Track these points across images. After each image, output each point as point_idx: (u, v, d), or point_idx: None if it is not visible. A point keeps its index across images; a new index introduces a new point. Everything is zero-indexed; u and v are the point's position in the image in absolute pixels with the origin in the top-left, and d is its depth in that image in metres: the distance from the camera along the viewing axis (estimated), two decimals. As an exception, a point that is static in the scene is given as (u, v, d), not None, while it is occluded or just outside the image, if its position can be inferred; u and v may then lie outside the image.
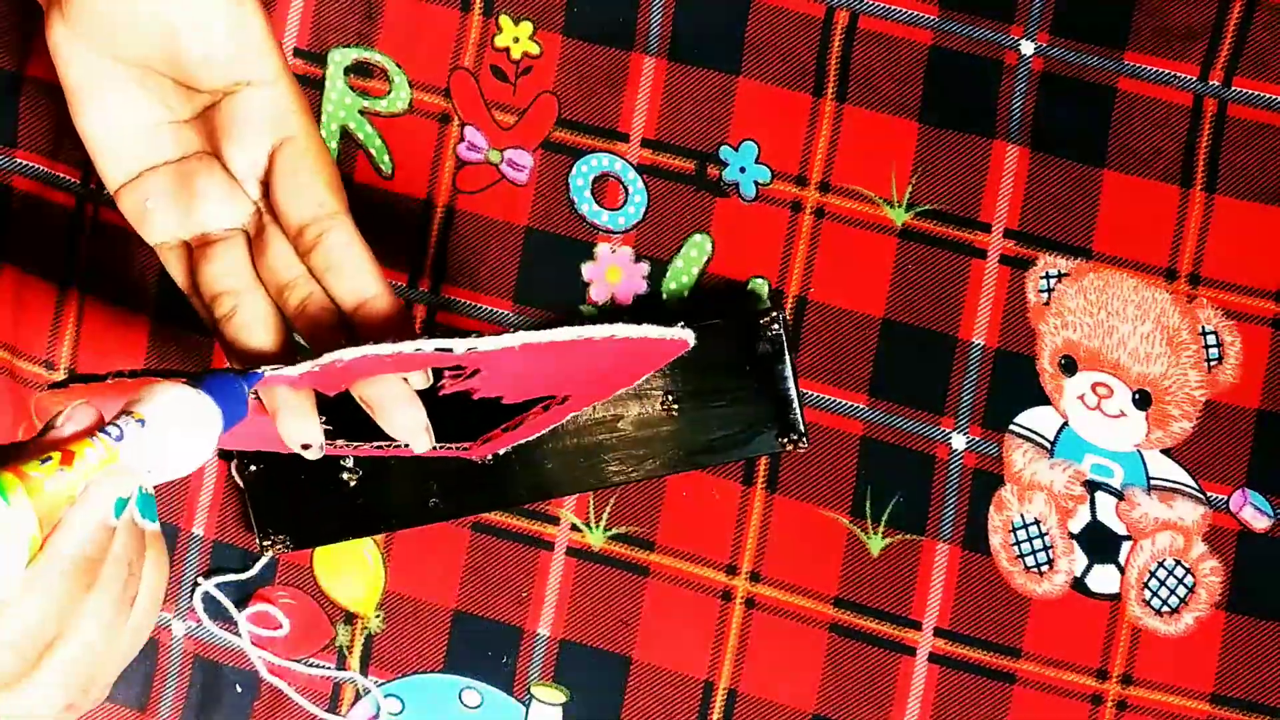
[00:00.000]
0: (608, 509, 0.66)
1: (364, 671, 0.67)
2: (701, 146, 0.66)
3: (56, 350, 0.68)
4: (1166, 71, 0.65)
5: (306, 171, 0.48)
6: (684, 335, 0.46)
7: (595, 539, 0.66)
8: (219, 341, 0.49)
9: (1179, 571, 0.65)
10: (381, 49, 0.67)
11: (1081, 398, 0.65)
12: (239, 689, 0.67)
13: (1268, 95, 0.65)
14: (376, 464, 0.64)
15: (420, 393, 0.49)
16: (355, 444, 0.57)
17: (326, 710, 0.67)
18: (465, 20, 0.67)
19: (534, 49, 0.67)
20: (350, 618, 0.67)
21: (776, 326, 0.64)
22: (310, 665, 0.67)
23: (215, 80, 0.48)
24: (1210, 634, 0.65)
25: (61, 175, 0.68)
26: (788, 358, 0.64)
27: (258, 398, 0.48)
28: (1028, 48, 0.66)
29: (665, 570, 0.66)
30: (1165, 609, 0.65)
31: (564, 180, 0.67)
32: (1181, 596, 0.65)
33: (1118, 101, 0.66)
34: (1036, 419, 0.65)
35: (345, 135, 0.67)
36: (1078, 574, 0.65)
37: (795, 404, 0.64)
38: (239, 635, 0.67)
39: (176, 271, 0.50)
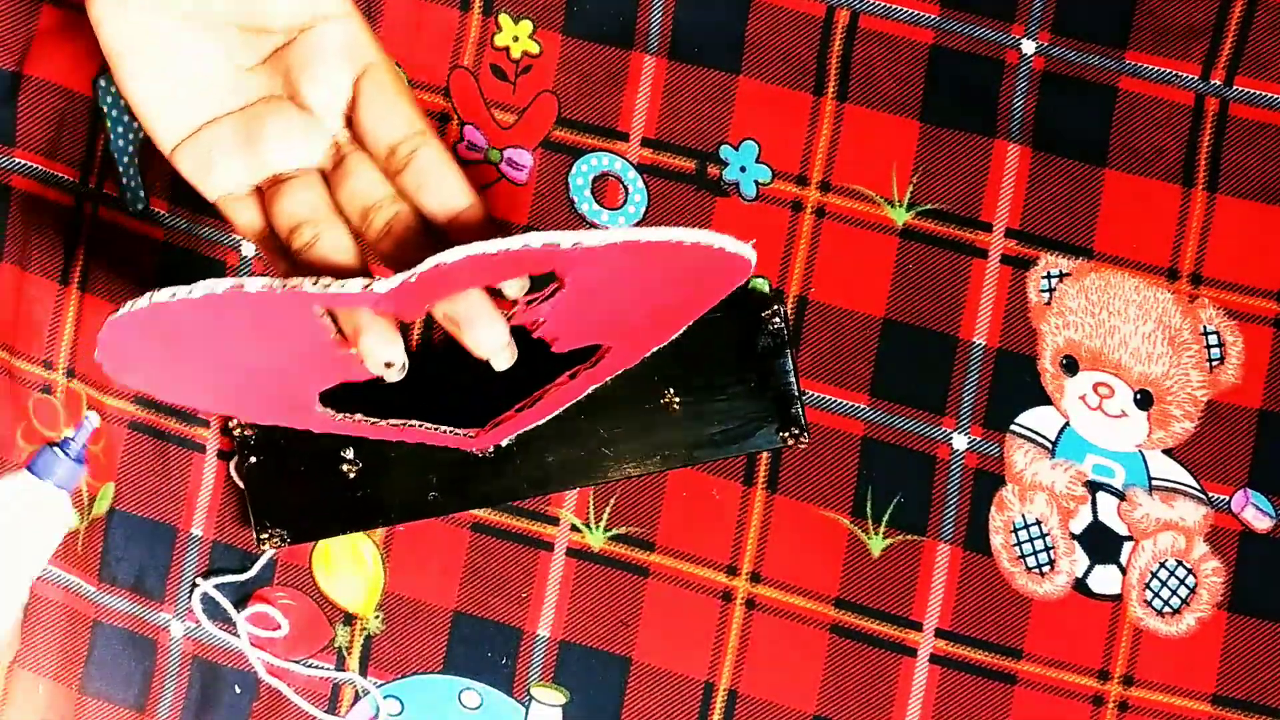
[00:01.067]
0: (608, 509, 0.66)
1: (363, 672, 0.67)
2: (702, 146, 0.66)
3: (55, 350, 0.68)
4: (1168, 71, 0.65)
5: (392, 94, 0.48)
6: (750, 254, 0.46)
7: (595, 539, 0.66)
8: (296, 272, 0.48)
9: (1180, 572, 0.65)
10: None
11: (1083, 398, 0.65)
12: (238, 690, 0.67)
13: (1269, 94, 0.65)
14: (376, 456, 0.64)
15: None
16: (373, 420, 0.57)
17: (326, 711, 0.67)
18: (465, 19, 0.67)
19: (534, 48, 0.67)
20: (350, 618, 0.67)
21: (778, 320, 0.64)
22: (309, 666, 0.67)
23: (290, 19, 0.48)
24: (1212, 634, 0.65)
25: (61, 175, 0.68)
26: (789, 352, 0.64)
27: (338, 328, 0.47)
28: (1029, 47, 0.66)
29: (665, 570, 0.66)
30: (1167, 609, 0.65)
31: (564, 180, 0.67)
32: (1183, 597, 0.65)
33: (1119, 101, 0.65)
34: (1038, 419, 0.65)
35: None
36: (1079, 574, 0.65)
37: (796, 399, 0.64)
38: (238, 636, 0.67)
39: (244, 219, 0.49)
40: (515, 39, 0.67)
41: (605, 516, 0.66)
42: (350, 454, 0.64)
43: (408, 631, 0.67)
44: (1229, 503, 0.65)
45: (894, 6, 0.66)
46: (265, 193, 0.48)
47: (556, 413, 0.60)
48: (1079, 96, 0.66)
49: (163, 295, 0.43)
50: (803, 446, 0.64)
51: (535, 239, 0.42)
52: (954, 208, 0.66)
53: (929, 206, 0.66)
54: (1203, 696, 0.64)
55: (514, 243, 0.41)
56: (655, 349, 0.58)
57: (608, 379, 0.59)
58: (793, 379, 0.64)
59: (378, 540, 0.67)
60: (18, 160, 0.68)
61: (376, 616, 0.67)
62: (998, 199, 0.66)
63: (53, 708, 0.68)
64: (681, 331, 0.57)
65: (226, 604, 0.67)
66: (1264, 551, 0.65)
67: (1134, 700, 0.64)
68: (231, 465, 0.66)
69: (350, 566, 0.67)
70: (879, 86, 0.66)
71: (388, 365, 0.47)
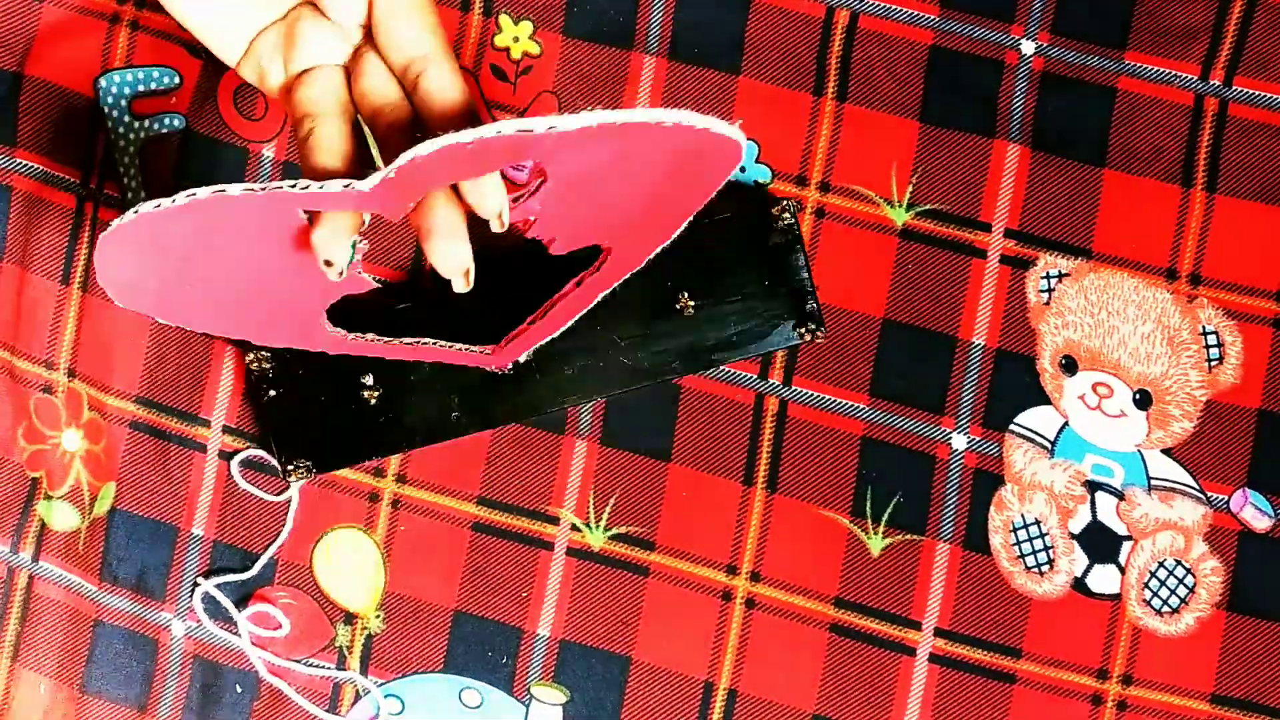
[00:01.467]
0: (608, 509, 0.66)
1: (364, 672, 0.67)
2: (702, 146, 0.66)
3: (56, 350, 0.68)
4: (1167, 71, 0.65)
5: (402, 18, 0.50)
6: (739, 135, 0.46)
7: (595, 539, 0.66)
8: (302, 165, 0.50)
9: (1179, 571, 0.65)
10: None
11: (1082, 398, 0.65)
12: (238, 689, 0.67)
13: (1268, 95, 0.65)
14: (397, 380, 0.64)
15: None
16: (386, 340, 0.57)
17: (326, 710, 0.67)
18: (465, 20, 0.67)
19: (534, 48, 0.67)
20: (350, 618, 0.67)
21: (788, 216, 0.64)
22: (310, 665, 0.67)
23: None
24: (1211, 634, 0.65)
25: (61, 175, 0.68)
26: (801, 248, 0.64)
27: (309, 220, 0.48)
28: (1028, 47, 0.66)
29: (665, 570, 0.66)
30: (1166, 609, 0.65)
31: (564, 180, 0.67)
32: (1182, 596, 0.65)
33: (1118, 101, 0.65)
34: (1037, 419, 0.65)
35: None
36: (1078, 574, 0.65)
37: (811, 294, 0.64)
38: (239, 635, 0.67)
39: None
40: (515, 39, 0.67)
41: (605, 516, 0.66)
42: (370, 380, 0.64)
43: (408, 631, 0.67)
44: (1228, 502, 0.65)
45: (894, 7, 0.66)
46: (292, 82, 0.51)
47: (570, 324, 0.60)
48: (1078, 97, 0.66)
49: (147, 206, 0.44)
50: (820, 341, 0.64)
51: (509, 125, 0.42)
52: (953, 208, 0.66)
53: (928, 207, 0.66)
54: (1201, 695, 0.64)
55: (488, 130, 0.42)
56: (659, 249, 0.57)
57: (616, 284, 0.59)
58: (806, 274, 0.64)
59: (378, 540, 0.67)
60: (18, 160, 0.68)
61: (377, 616, 0.67)
62: (997, 199, 0.66)
63: (53, 707, 0.68)
64: (689, 232, 0.57)
65: (228, 603, 0.67)
66: (1263, 551, 0.65)
67: (1133, 699, 0.65)
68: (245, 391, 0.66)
69: (351, 566, 0.67)
70: (879, 87, 0.66)
71: (328, 264, 0.48)
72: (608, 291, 0.59)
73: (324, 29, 0.51)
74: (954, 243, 0.66)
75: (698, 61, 0.66)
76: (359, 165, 0.49)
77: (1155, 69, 0.65)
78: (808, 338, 0.64)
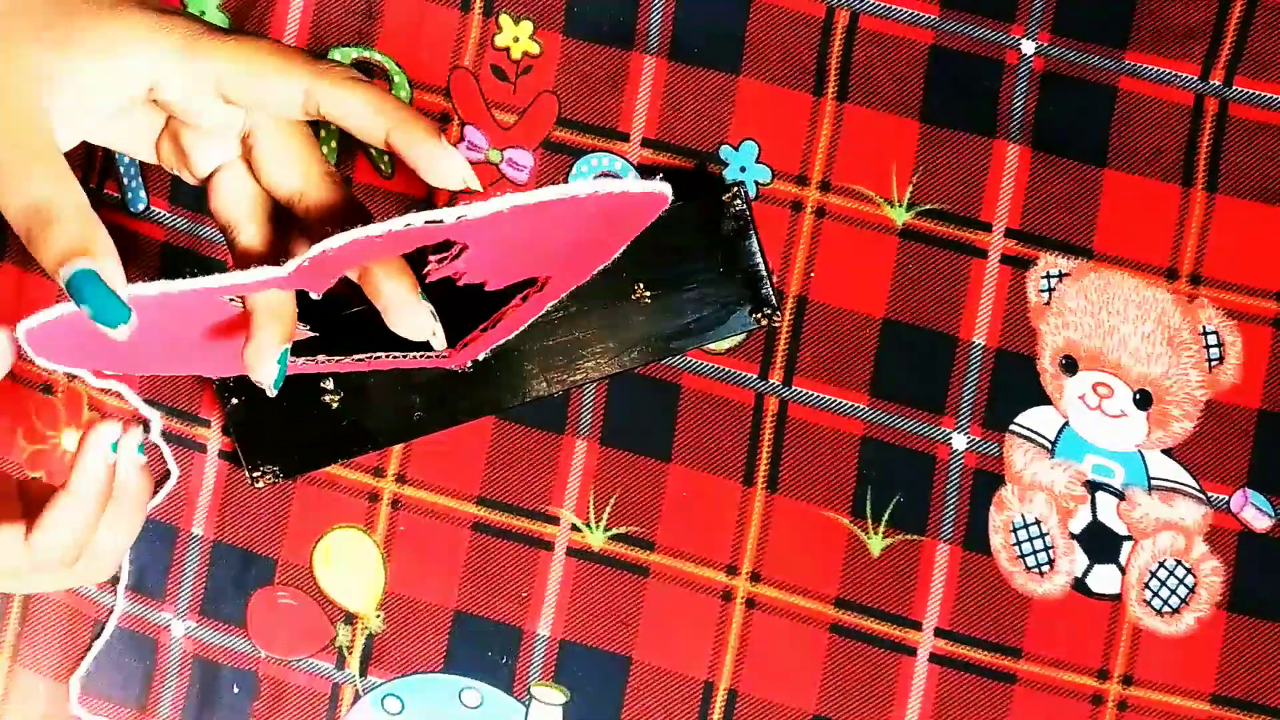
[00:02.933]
0: (608, 509, 0.66)
1: (364, 671, 0.67)
2: (702, 146, 0.66)
3: (56, 350, 0.68)
4: (1167, 71, 0.65)
5: (275, 162, 0.50)
6: (663, 188, 0.46)
7: (595, 539, 0.66)
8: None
9: (1180, 572, 0.65)
10: (381, 49, 0.67)
11: (1082, 398, 0.65)
12: (237, 689, 0.67)
13: (1269, 95, 0.65)
14: (357, 383, 0.64)
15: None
16: (337, 358, 0.58)
17: (326, 711, 0.67)
18: (465, 20, 0.67)
19: (534, 48, 0.67)
20: (350, 618, 0.67)
21: (739, 203, 0.64)
22: (310, 665, 0.67)
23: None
24: (1211, 634, 0.65)
25: (61, 175, 0.68)
26: (754, 233, 0.64)
27: (240, 302, 0.50)
28: (1029, 47, 0.66)
29: (665, 570, 0.66)
30: (1166, 609, 0.65)
31: (564, 180, 0.67)
32: (1182, 597, 0.65)
33: (1119, 101, 0.65)
34: (1037, 419, 0.65)
35: (345, 135, 0.67)
36: (1078, 574, 0.65)
37: (765, 278, 0.64)
38: (238, 635, 0.67)
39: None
40: (515, 39, 0.67)
41: (605, 516, 0.66)
42: (330, 384, 0.64)
43: (408, 631, 0.67)
44: (1228, 502, 0.65)
45: (894, 6, 0.66)
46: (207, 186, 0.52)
47: (525, 327, 0.60)
48: (1079, 96, 0.66)
49: (50, 314, 0.45)
50: (776, 325, 0.65)
51: (417, 218, 0.43)
52: (954, 208, 0.66)
53: (929, 206, 0.66)
54: (1202, 696, 0.64)
55: (396, 224, 0.43)
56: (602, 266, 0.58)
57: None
58: (759, 259, 0.64)
59: (378, 540, 0.67)
60: (18, 160, 0.68)
61: (377, 616, 0.67)
62: (997, 199, 0.66)
63: (53, 707, 0.68)
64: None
65: (227, 603, 0.67)
66: (1263, 551, 0.65)
67: (1133, 699, 0.65)
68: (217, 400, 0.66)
69: (351, 566, 0.67)
70: (879, 86, 0.66)
71: (259, 382, 0.50)
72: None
73: (205, 136, 0.50)
74: (954, 242, 0.66)
75: (698, 61, 0.66)
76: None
77: (1155, 69, 0.65)
78: (764, 322, 0.64)
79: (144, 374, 0.56)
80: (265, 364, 0.49)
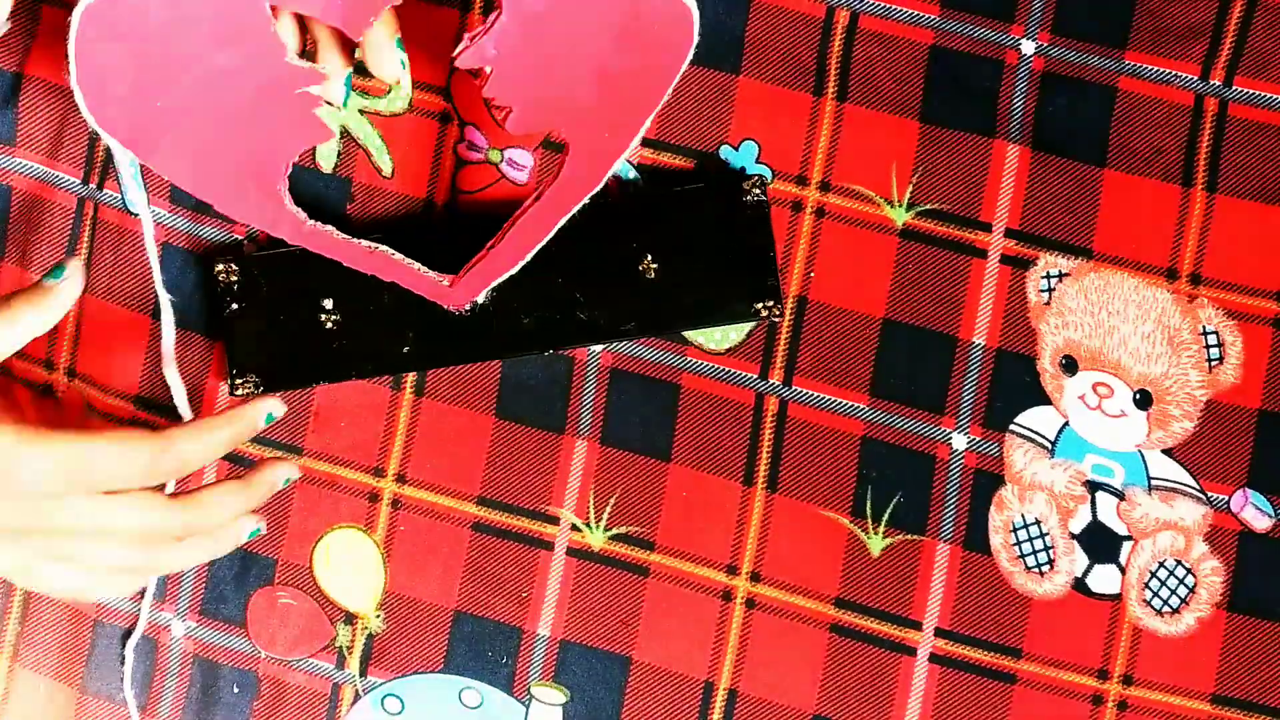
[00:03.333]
0: (608, 509, 0.66)
1: (364, 671, 0.67)
2: (702, 146, 0.66)
3: (57, 350, 0.68)
4: (1167, 71, 0.65)
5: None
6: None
7: (595, 539, 0.66)
8: None
9: (1180, 572, 0.65)
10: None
11: (1082, 398, 0.65)
12: (237, 689, 0.67)
13: (1269, 95, 0.65)
14: (356, 309, 0.65)
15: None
16: (345, 236, 0.61)
17: (326, 711, 0.67)
18: (465, 20, 0.67)
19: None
20: (350, 617, 0.67)
21: (758, 191, 0.64)
22: (310, 665, 0.67)
23: None
24: (1211, 634, 0.65)
25: (61, 174, 0.68)
26: (769, 225, 0.64)
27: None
28: (1028, 47, 0.66)
29: (665, 570, 0.66)
30: (1166, 609, 0.65)
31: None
32: (1182, 597, 0.65)
33: (1118, 101, 0.66)
34: (1037, 419, 0.65)
35: (345, 135, 0.67)
36: (1078, 574, 0.65)
37: (774, 271, 0.64)
38: (238, 635, 0.67)
39: None
40: (515, 39, 0.67)
41: (605, 516, 0.66)
42: (330, 304, 0.64)
43: (408, 631, 0.67)
44: (1228, 502, 0.65)
45: (894, 7, 0.66)
46: None
47: (529, 257, 0.61)
48: (1079, 96, 0.66)
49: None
50: (777, 319, 0.65)
51: None
52: (954, 208, 0.66)
53: (929, 206, 0.66)
54: (1202, 696, 0.64)
55: None
56: (616, 165, 0.59)
57: (575, 209, 0.60)
58: (771, 252, 0.64)
59: (378, 540, 0.67)
60: (18, 160, 0.68)
61: (377, 616, 0.67)
62: (997, 199, 0.66)
63: (53, 706, 0.68)
64: (660, 196, 0.62)
65: (227, 603, 0.67)
66: (1263, 551, 0.65)
67: (1133, 700, 0.65)
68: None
69: (351, 566, 0.67)
70: (879, 86, 0.66)
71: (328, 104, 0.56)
72: (568, 218, 0.60)
73: None
74: (954, 242, 0.66)
75: (698, 61, 0.66)
76: None
77: (1155, 69, 0.65)
78: (765, 314, 0.64)
79: (163, 168, 0.57)
80: (387, 55, 0.58)
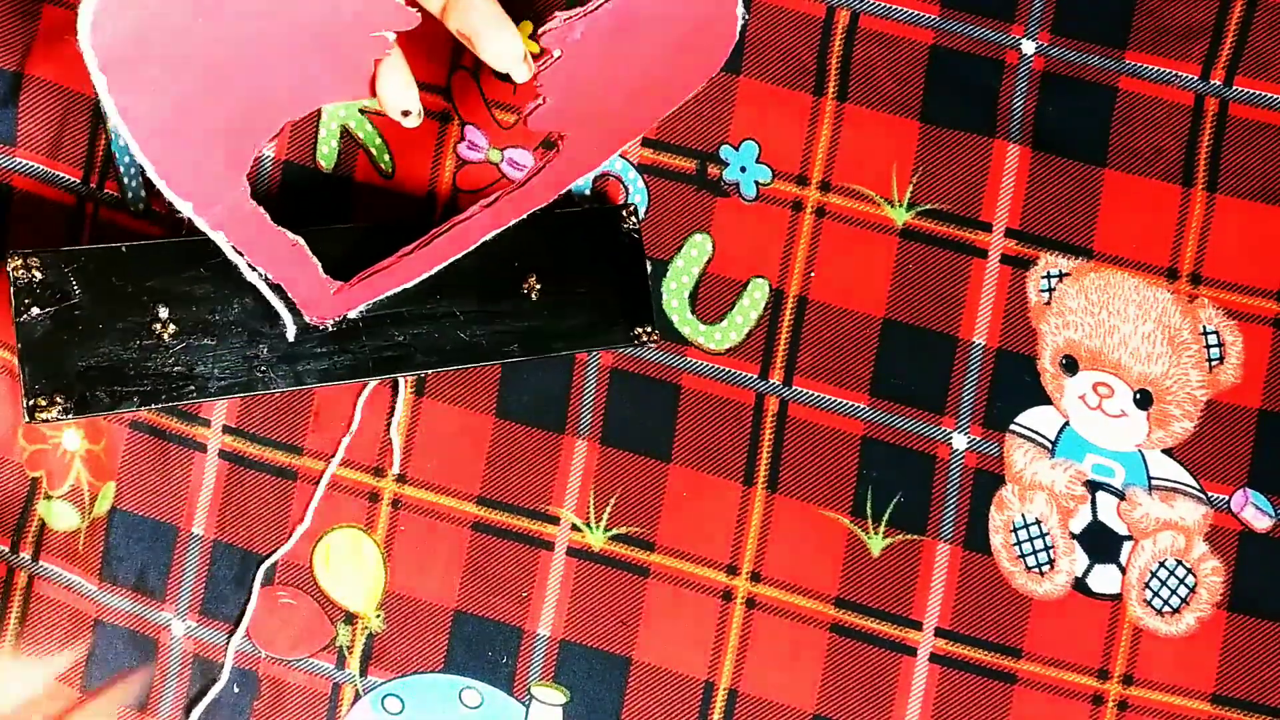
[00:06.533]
0: (608, 509, 0.66)
1: (364, 671, 0.67)
2: (702, 146, 0.66)
3: (56, 350, 0.68)
4: (1168, 71, 0.65)
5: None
6: (738, 10, 0.52)
7: (595, 539, 0.66)
8: None
9: (1180, 571, 0.65)
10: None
11: (1082, 397, 0.65)
12: (237, 689, 0.67)
13: (1269, 95, 0.65)
14: (195, 317, 0.57)
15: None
16: (258, 207, 0.52)
17: (326, 710, 0.67)
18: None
19: (534, 48, 0.67)
20: (350, 618, 0.67)
21: (634, 219, 0.65)
22: (310, 665, 0.67)
23: None
24: (1211, 634, 0.65)
25: (61, 174, 0.68)
26: (642, 253, 0.65)
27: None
28: (1029, 47, 0.66)
29: (665, 570, 0.66)
30: (1166, 609, 0.65)
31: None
32: (1183, 596, 0.65)
33: (1119, 101, 0.66)
34: (1037, 419, 0.65)
35: (346, 134, 0.67)
36: (1079, 574, 0.65)
37: (649, 298, 0.65)
38: (239, 635, 0.67)
39: None
40: (516, 39, 0.67)
41: (605, 516, 0.66)
42: (165, 313, 0.56)
43: (408, 630, 0.67)
44: (1228, 502, 0.65)
45: (894, 6, 0.66)
46: None
47: (433, 271, 0.58)
48: (1079, 96, 0.66)
49: None
50: (651, 346, 0.65)
51: None
52: (954, 208, 0.66)
53: (929, 206, 0.66)
54: (1202, 695, 0.64)
55: None
56: (567, 187, 0.59)
57: (497, 231, 0.58)
58: (646, 278, 0.65)
59: (378, 540, 0.67)
60: (19, 160, 0.68)
61: (377, 615, 0.67)
62: (997, 199, 0.66)
63: (53, 706, 0.68)
64: (545, 217, 0.59)
65: (227, 603, 0.67)
66: (1263, 551, 0.65)
67: (1133, 699, 0.65)
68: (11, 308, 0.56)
69: (351, 565, 0.67)
70: (879, 86, 0.66)
71: (405, 113, 0.52)
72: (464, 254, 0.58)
73: None
74: (954, 242, 0.66)
75: (698, 61, 0.66)
76: None
77: (1156, 69, 0.65)
78: (643, 339, 0.65)
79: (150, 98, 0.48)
80: (407, 92, 0.53)
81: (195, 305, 0.57)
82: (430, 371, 0.62)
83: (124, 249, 0.54)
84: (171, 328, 0.56)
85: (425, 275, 0.57)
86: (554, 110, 0.54)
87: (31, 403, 0.54)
